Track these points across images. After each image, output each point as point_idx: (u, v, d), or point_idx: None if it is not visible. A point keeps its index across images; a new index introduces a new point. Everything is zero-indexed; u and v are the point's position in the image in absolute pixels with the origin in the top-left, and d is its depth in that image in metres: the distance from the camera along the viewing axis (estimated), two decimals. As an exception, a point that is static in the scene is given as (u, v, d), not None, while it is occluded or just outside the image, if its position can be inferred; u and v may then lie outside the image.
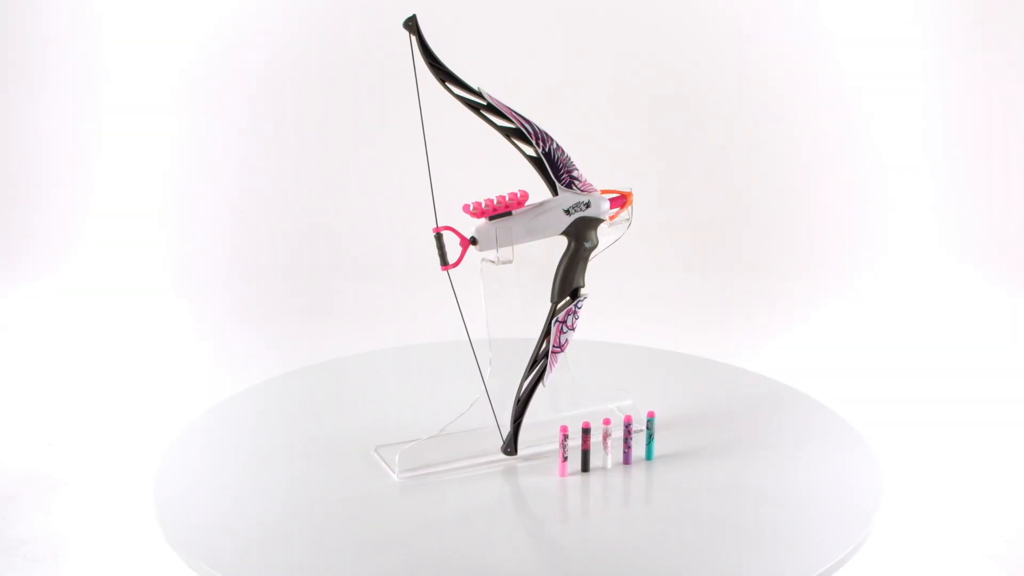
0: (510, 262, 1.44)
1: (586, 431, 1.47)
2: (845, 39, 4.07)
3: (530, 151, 1.42)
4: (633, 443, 1.50)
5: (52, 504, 2.38)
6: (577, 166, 1.45)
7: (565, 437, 1.46)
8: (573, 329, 1.48)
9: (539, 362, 1.47)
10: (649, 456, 1.51)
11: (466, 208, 1.41)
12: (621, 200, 1.49)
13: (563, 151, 1.43)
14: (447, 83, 1.37)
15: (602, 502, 1.44)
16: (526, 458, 1.51)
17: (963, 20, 4.04)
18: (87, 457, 2.60)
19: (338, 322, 3.50)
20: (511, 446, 1.50)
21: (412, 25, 1.35)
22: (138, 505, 2.33)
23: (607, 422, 1.48)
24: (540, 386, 1.48)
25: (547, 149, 1.42)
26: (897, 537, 2.24)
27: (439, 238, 1.40)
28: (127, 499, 2.39)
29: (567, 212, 1.44)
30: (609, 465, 1.49)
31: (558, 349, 1.47)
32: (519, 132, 1.40)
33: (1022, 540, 2.25)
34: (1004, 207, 4.00)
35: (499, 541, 1.32)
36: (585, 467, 1.48)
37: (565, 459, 1.47)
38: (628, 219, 1.51)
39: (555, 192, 1.44)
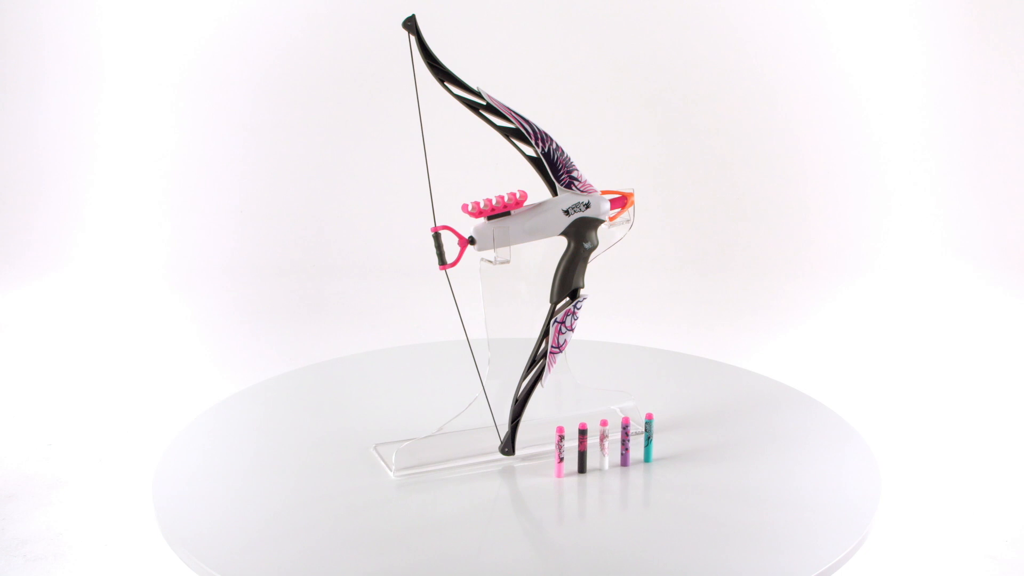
0: (507, 262, 1.44)
1: (582, 432, 1.46)
2: (845, 39, 4.07)
3: (529, 151, 1.42)
4: (631, 445, 1.50)
5: (52, 504, 2.38)
6: (577, 166, 1.44)
7: (561, 438, 1.45)
8: (572, 330, 1.47)
9: (537, 362, 1.47)
10: (647, 459, 1.50)
11: (465, 208, 1.40)
12: (622, 201, 1.48)
13: (563, 151, 1.42)
14: (446, 83, 1.37)
15: (599, 502, 1.43)
16: (524, 458, 1.51)
17: (963, 20, 4.04)
18: (87, 457, 2.60)
19: (338, 322, 3.50)
20: (508, 446, 1.50)
21: (411, 25, 1.34)
22: (138, 505, 2.33)
23: (604, 423, 1.47)
24: (539, 386, 1.48)
25: (546, 149, 1.41)
26: (897, 537, 2.24)
27: (437, 237, 1.39)
28: (127, 499, 2.39)
29: (566, 212, 1.44)
30: (606, 467, 1.48)
31: (556, 350, 1.47)
32: (518, 132, 1.40)
33: (1022, 540, 2.25)
34: (1004, 207, 4.00)
35: (494, 542, 1.32)
36: (582, 468, 1.47)
37: (561, 460, 1.46)
38: (629, 220, 1.50)
39: (555, 192, 1.44)
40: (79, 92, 3.92)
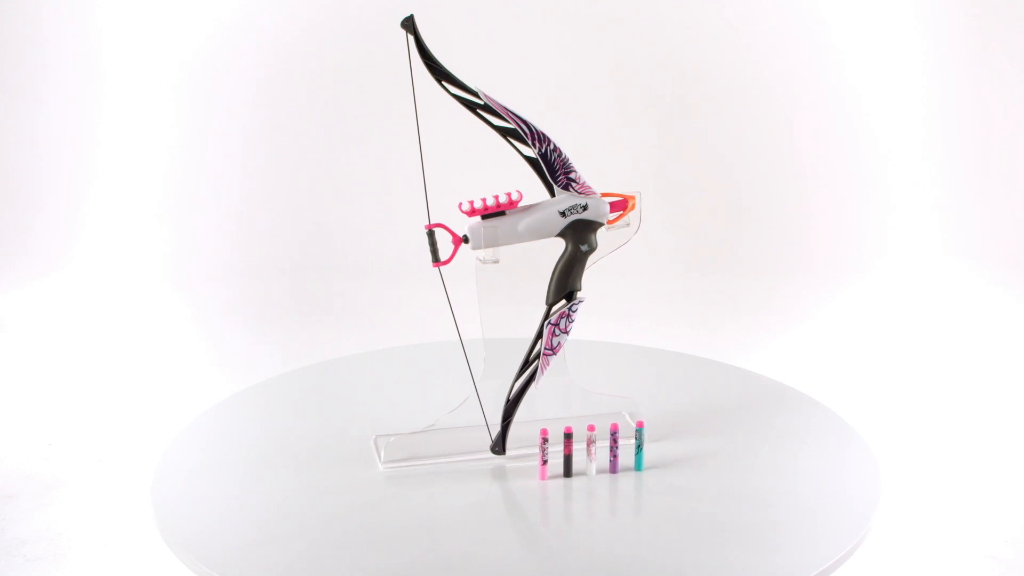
0: (496, 262, 1.43)
1: (568, 436, 1.45)
2: (846, 39, 4.07)
3: (527, 151, 1.42)
4: (620, 452, 1.47)
5: (52, 504, 2.38)
6: (576, 167, 1.43)
7: (545, 440, 1.44)
8: (566, 332, 1.46)
9: (531, 364, 1.47)
10: (638, 467, 1.47)
11: (461, 207, 1.41)
12: (623, 204, 1.47)
13: (561, 152, 1.41)
14: (444, 83, 1.37)
15: (591, 504, 1.43)
16: (516, 458, 1.50)
17: (964, 20, 4.04)
18: (87, 457, 2.60)
19: (338, 322, 3.50)
20: (499, 445, 1.50)
21: (409, 25, 1.35)
22: (138, 505, 2.33)
23: (591, 428, 1.45)
24: (532, 387, 1.47)
25: (544, 150, 1.41)
26: (897, 537, 2.24)
27: (431, 235, 1.40)
28: (126, 499, 2.39)
29: (562, 214, 1.43)
30: (593, 472, 1.46)
31: (550, 351, 1.46)
32: (515, 132, 1.40)
33: (1022, 540, 2.25)
34: (1004, 207, 4.00)
35: (489, 542, 1.32)
36: (567, 472, 1.46)
37: (545, 462, 1.45)
38: (629, 224, 1.48)
39: (552, 193, 1.44)
40: (79, 92, 3.92)
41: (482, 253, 1.43)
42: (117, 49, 3.93)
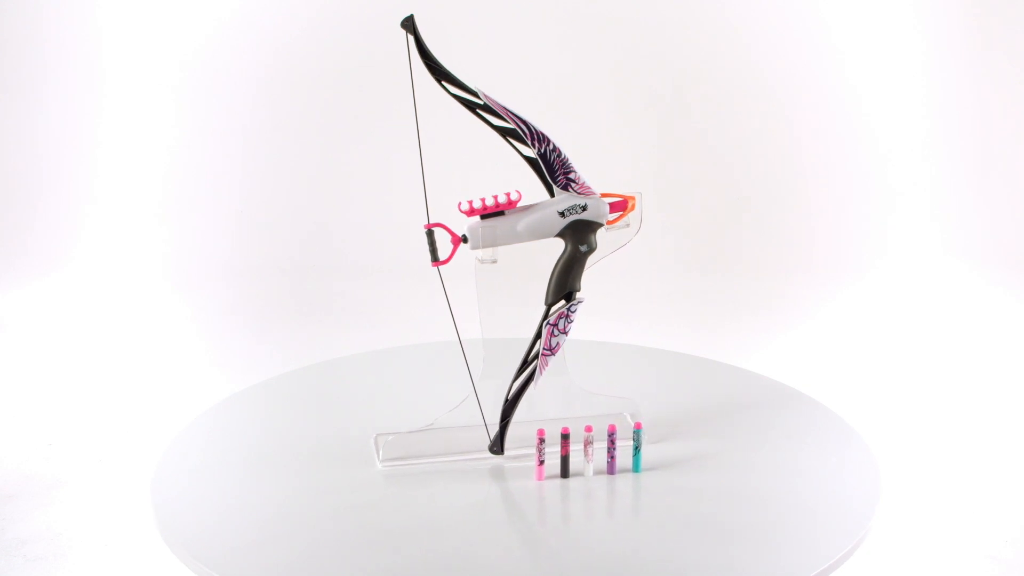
0: (495, 262, 1.43)
1: (565, 436, 1.44)
2: (846, 39, 4.07)
3: (527, 151, 1.42)
4: (618, 453, 1.46)
5: (52, 504, 2.38)
6: (576, 168, 1.43)
7: (541, 441, 1.44)
8: (565, 333, 1.46)
9: (530, 364, 1.47)
10: (636, 468, 1.47)
11: (460, 207, 1.41)
12: (622, 204, 1.47)
13: (560, 152, 1.41)
14: (444, 83, 1.37)
15: (589, 504, 1.42)
16: (514, 458, 1.50)
17: (965, 20, 4.04)
18: (87, 457, 2.60)
19: (338, 322, 3.50)
20: (497, 445, 1.49)
21: (409, 25, 1.35)
22: (138, 505, 2.33)
23: (588, 429, 1.45)
24: (531, 387, 1.47)
25: (543, 150, 1.41)
26: (897, 537, 2.24)
27: (430, 235, 1.40)
28: (126, 499, 2.39)
29: (562, 214, 1.43)
30: (590, 473, 1.46)
31: (548, 352, 1.46)
32: (515, 132, 1.40)
33: (1022, 540, 2.25)
34: (1004, 207, 4.00)
35: (488, 542, 1.32)
36: (564, 473, 1.45)
37: (542, 463, 1.45)
38: (629, 224, 1.48)
39: (552, 194, 1.44)
40: (79, 92, 3.92)
41: (481, 253, 1.43)
42: (117, 49, 3.93)
